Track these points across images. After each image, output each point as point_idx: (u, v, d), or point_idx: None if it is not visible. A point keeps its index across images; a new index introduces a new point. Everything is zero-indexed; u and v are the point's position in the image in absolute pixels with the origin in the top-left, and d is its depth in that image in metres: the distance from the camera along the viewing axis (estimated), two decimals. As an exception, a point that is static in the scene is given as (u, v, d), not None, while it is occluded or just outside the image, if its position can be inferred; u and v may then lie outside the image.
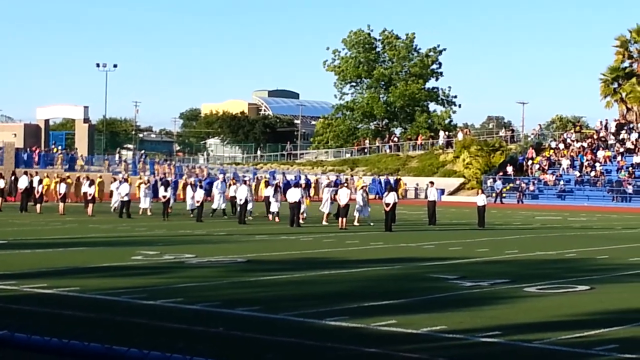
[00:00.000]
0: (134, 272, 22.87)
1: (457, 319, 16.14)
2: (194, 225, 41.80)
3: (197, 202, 45.60)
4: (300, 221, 43.25)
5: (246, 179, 57.98)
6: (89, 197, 49.56)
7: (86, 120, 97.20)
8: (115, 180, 54.97)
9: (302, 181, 67.22)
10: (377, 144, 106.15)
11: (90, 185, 50.71)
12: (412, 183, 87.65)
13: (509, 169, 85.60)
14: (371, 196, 69.68)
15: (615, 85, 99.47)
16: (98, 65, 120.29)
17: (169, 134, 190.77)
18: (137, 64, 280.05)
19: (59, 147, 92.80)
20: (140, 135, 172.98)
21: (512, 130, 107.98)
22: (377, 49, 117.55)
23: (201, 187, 47.44)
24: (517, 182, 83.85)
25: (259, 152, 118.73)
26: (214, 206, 49.05)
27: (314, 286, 20.80)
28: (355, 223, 43.08)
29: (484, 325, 15.46)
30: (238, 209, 45.59)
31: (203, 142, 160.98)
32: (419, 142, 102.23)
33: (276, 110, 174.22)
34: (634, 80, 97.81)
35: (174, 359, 4.75)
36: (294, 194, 43.36)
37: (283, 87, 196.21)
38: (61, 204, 48.95)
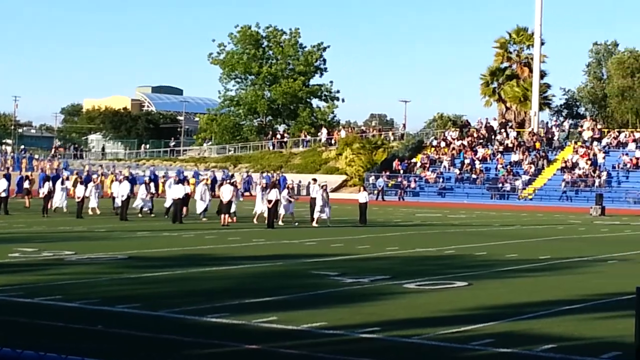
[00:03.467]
0: (11, 269, 22.44)
1: (337, 315, 16.26)
2: (74, 222, 41.23)
3: (78, 198, 45.16)
4: (204, 219, 43.78)
5: (127, 175, 57.26)
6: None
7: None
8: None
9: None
10: (262, 142, 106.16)
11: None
12: (294, 180, 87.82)
13: (384, 173, 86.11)
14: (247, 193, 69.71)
15: (495, 85, 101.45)
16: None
17: (50, 129, 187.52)
18: (17, 57, 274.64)
19: None
20: (20, 130, 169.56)
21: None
22: (263, 46, 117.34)
23: (82, 183, 46.91)
24: (399, 179, 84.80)
25: (142, 148, 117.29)
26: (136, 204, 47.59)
27: (195, 283, 20.71)
28: (314, 224, 42.81)
29: (364, 321, 15.61)
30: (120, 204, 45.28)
31: (85, 137, 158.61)
32: (302, 137, 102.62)
33: (159, 106, 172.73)
34: (513, 81, 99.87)
35: (48, 357, 4.70)
36: (177, 190, 43.18)
37: (167, 84, 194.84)
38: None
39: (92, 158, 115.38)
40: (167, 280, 21.18)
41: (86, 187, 47.75)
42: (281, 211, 42.90)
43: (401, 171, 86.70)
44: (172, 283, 20.71)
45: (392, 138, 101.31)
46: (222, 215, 41.94)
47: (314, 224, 42.84)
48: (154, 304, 17.05)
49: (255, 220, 42.86)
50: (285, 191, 44.21)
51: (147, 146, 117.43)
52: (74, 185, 49.52)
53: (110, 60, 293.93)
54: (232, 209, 42.87)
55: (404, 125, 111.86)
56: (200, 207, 44.78)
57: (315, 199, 45.76)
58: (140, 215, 46.02)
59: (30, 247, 28.12)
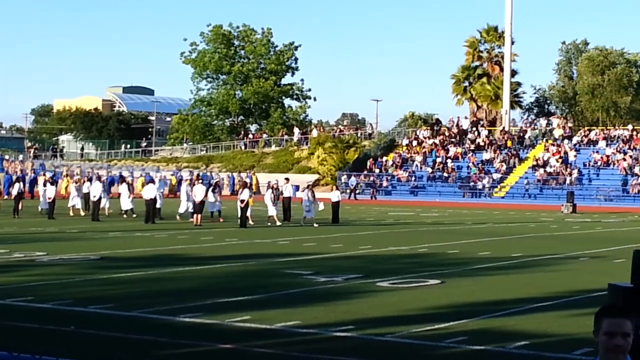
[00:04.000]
0: (-17, 271, 22.32)
1: (311, 314, 16.27)
2: (46, 223, 41.03)
3: (49, 199, 44.96)
4: (177, 218, 44.00)
5: (102, 177, 57.08)
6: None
7: None
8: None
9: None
10: (234, 142, 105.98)
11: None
12: (267, 180, 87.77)
13: (359, 168, 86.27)
14: (226, 193, 69.67)
15: (466, 84, 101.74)
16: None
17: (20, 130, 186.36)
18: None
19: None
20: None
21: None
22: (235, 45, 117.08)
23: (52, 184, 46.71)
24: (371, 178, 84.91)
25: (123, 148, 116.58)
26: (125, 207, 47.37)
27: (169, 283, 20.67)
28: (302, 223, 42.71)
29: (338, 320, 15.62)
30: (91, 205, 45.10)
31: (55, 138, 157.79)
32: (279, 137, 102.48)
33: (131, 106, 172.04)
34: (484, 79, 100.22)
35: (21, 358, 4.68)
36: (149, 191, 43.06)
37: (138, 84, 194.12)
38: None
39: (64, 159, 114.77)
40: (140, 281, 21.12)
41: (57, 187, 47.58)
42: (271, 212, 43.06)
43: (377, 171, 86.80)
44: (145, 283, 20.65)
45: (363, 137, 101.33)
46: (195, 215, 41.90)
47: (302, 222, 42.77)
48: (127, 305, 17.00)
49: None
50: (269, 191, 44.22)
51: (129, 146, 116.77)
52: (44, 185, 49.22)
53: (81, 61, 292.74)
54: (217, 209, 43.49)
55: (371, 125, 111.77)
56: (183, 207, 44.89)
57: (289, 198, 45.77)
58: (125, 215, 45.90)
59: (1, 248, 27.96)
